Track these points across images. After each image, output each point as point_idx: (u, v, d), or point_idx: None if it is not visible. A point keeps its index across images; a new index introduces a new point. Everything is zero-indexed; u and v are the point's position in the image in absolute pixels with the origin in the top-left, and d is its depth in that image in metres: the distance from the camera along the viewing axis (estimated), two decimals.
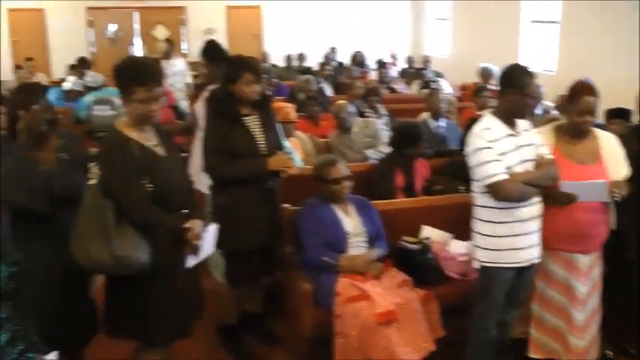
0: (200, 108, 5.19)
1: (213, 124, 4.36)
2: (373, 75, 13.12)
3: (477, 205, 3.92)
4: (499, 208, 3.79)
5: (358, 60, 14.22)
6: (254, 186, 4.32)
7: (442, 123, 7.08)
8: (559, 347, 4.28)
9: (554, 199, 3.96)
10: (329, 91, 10.55)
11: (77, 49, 15.21)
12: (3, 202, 3.49)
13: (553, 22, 11.72)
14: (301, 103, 8.19)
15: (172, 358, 3.92)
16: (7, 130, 3.77)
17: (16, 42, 16.42)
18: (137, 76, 3.34)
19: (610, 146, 4.15)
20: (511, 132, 3.82)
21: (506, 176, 3.68)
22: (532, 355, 4.38)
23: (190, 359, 4.59)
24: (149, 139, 3.49)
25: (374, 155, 6.29)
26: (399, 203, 5.22)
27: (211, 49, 5.67)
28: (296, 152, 5.40)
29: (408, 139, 5.58)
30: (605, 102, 4.57)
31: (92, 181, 3.38)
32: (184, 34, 16.95)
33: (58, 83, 11.67)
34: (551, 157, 3.93)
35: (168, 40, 7.79)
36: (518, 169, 3.78)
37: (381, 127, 6.88)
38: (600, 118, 5.54)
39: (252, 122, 4.35)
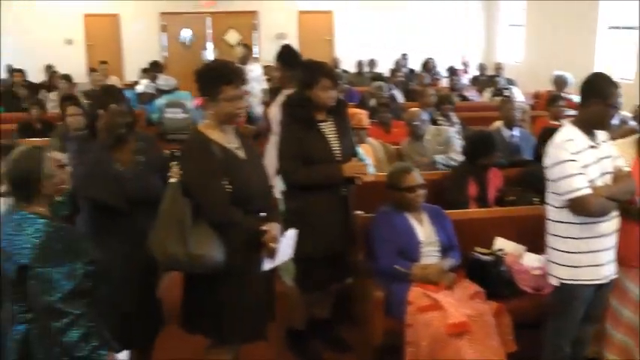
0: (274, 112, 5.21)
1: (289, 129, 4.38)
2: (444, 82, 13.00)
3: (554, 220, 3.79)
4: (579, 224, 3.66)
5: (429, 67, 14.10)
6: (328, 192, 4.33)
7: (516, 132, 6.97)
8: None
9: (632, 213, 3.84)
10: (400, 97, 10.48)
11: (150, 53, 15.52)
12: (82, 197, 3.58)
13: (631, 27, 11.36)
14: (373, 110, 8.16)
15: (243, 356, 3.97)
16: (87, 130, 3.86)
17: (91, 46, 16.85)
18: (223, 75, 3.45)
19: None
20: (592, 143, 3.69)
21: (589, 190, 3.55)
22: None
23: (261, 359, 4.62)
24: (231, 142, 3.55)
25: (442, 161, 6.23)
26: (471, 213, 5.16)
27: (286, 54, 5.69)
28: (368, 159, 5.39)
29: (482, 148, 5.50)
30: None
31: (173, 180, 3.45)
32: (256, 39, 17.05)
33: (130, 86, 11.91)
34: (628, 169, 3.81)
35: (245, 45, 7.85)
36: (599, 182, 3.66)
37: (454, 135, 6.81)
38: None
39: (328, 128, 4.36)
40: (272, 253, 3.53)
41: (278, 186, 4.57)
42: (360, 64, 14.41)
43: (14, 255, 2.86)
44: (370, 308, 4.40)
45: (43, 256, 2.82)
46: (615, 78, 3.81)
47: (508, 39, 16.95)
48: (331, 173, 4.28)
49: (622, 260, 3.90)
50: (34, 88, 12.32)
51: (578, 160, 3.59)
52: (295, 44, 11.82)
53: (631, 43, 11.37)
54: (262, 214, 3.59)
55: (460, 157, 6.16)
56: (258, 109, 8.92)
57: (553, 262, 3.84)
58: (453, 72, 13.46)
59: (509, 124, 6.97)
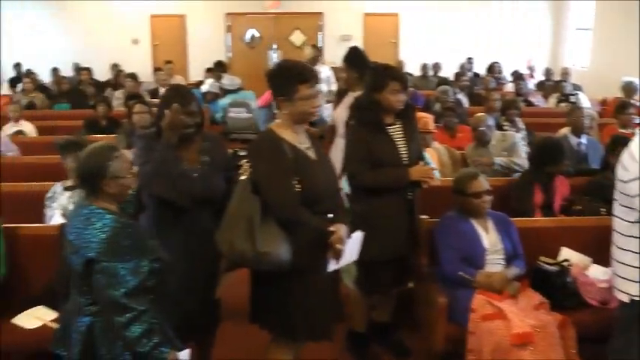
0: (340, 114, 5.21)
1: (357, 131, 4.37)
2: (509, 87, 12.83)
3: (626, 235, 3.57)
4: None
5: (495, 71, 13.94)
6: (394, 195, 4.32)
7: (583, 140, 6.83)
8: None
9: None
10: (465, 102, 10.39)
11: (214, 53, 15.74)
12: (148, 195, 3.63)
13: None
14: (438, 114, 8.10)
15: (305, 356, 3.98)
16: (153, 127, 3.91)
17: (157, 46, 17.17)
18: (299, 74, 3.46)
19: None
20: None
21: None
22: None
23: (321, 359, 4.62)
24: (302, 142, 3.57)
25: (502, 163, 6.14)
26: (537, 222, 5.06)
27: (354, 56, 5.69)
28: (433, 163, 5.35)
29: (549, 155, 5.39)
30: None
31: (242, 177, 3.48)
32: (320, 40, 17.09)
33: (195, 85, 12.06)
34: None
35: (313, 46, 7.86)
36: None
37: (519, 141, 6.71)
38: None
39: (396, 132, 4.34)
40: (338, 255, 3.52)
41: (343, 188, 4.57)
42: (424, 67, 14.31)
43: (82, 248, 2.92)
44: (433, 314, 4.36)
45: (109, 251, 2.87)
46: None
47: (575, 43, 16.62)
48: (398, 177, 4.27)
49: None
50: (100, 86, 12.59)
51: None
52: (360, 46, 11.85)
53: None
54: (330, 215, 3.60)
55: (520, 162, 6.06)
56: (325, 112, 8.93)
57: (622, 278, 3.65)
58: (518, 76, 13.28)
59: (577, 132, 6.84)
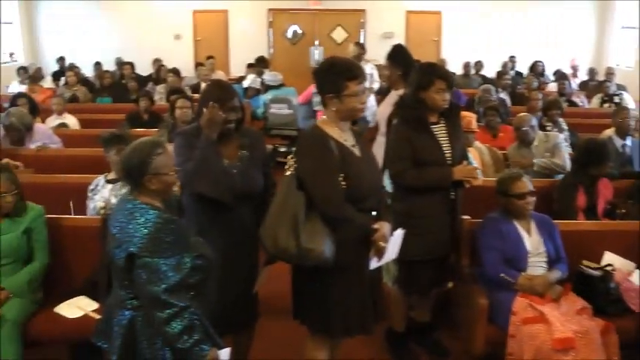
0: (383, 112, 5.18)
1: (401, 129, 4.36)
2: (552, 86, 12.66)
3: None
4: None
5: (537, 70, 13.77)
6: (437, 195, 4.30)
7: (628, 142, 6.70)
8: None
9: None
10: (507, 101, 10.26)
11: (256, 48, 15.83)
12: (189, 192, 3.65)
13: None
14: (480, 113, 8.02)
15: (343, 355, 3.98)
16: (194, 122, 3.92)
17: (199, 41, 17.29)
18: (348, 70, 3.46)
19: None
20: None
21: None
22: None
23: (360, 357, 4.63)
24: (347, 139, 3.56)
25: (541, 163, 6.05)
26: (580, 225, 4.99)
27: (398, 53, 5.66)
28: (475, 162, 5.30)
29: (594, 157, 5.28)
30: None
31: (288, 173, 3.49)
32: (362, 38, 17.03)
33: (236, 81, 12.09)
34: None
35: (357, 44, 7.82)
36: None
37: (562, 141, 6.61)
38: None
39: (440, 131, 4.32)
40: (381, 253, 3.52)
41: (385, 186, 4.55)
42: (466, 65, 14.14)
43: (124, 242, 2.92)
44: (473, 315, 4.31)
45: (151, 247, 2.88)
46: None
47: (620, 42, 16.33)
48: (441, 176, 4.25)
49: None
50: (141, 80, 12.69)
51: None
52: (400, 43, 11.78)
53: None
54: (373, 212, 3.59)
55: (562, 163, 5.97)
56: (366, 111, 8.89)
57: None
58: (561, 76, 13.10)
59: (622, 134, 6.71)
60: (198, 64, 13.57)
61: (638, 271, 4.55)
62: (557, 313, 4.06)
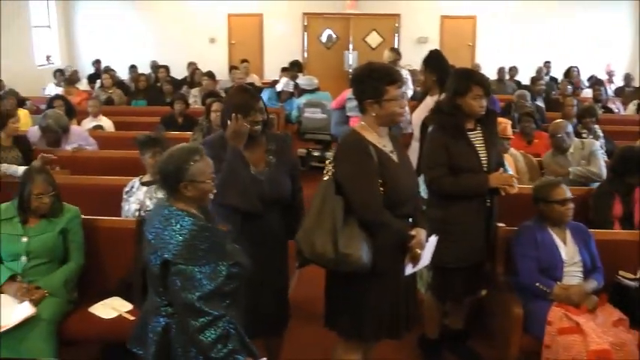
0: (418, 117, 5.15)
1: (437, 136, 4.33)
2: (587, 92, 12.52)
3: None
4: None
5: (572, 76, 13.62)
6: (472, 202, 4.27)
7: None
8: None
9: None
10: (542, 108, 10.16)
11: (291, 52, 15.89)
12: (219, 204, 3.63)
13: None
14: (515, 119, 7.95)
15: (372, 358, 3.96)
16: (220, 131, 3.92)
17: (233, 44, 17.37)
18: (387, 75, 3.45)
19: None
20: None
21: None
22: None
23: None
24: (385, 145, 3.55)
25: (577, 172, 5.98)
26: (616, 234, 4.90)
27: (433, 59, 5.62)
28: (511, 169, 5.25)
29: (631, 165, 5.19)
30: None
31: (325, 178, 3.48)
32: (397, 42, 16.99)
33: (270, 85, 12.12)
34: None
35: (393, 49, 7.79)
36: None
37: (598, 149, 6.52)
38: None
39: (476, 137, 4.29)
40: (416, 259, 3.51)
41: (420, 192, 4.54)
42: (500, 71, 14.01)
43: (159, 249, 2.89)
44: (508, 324, 4.27)
45: (186, 254, 2.85)
46: None
47: None
48: (478, 183, 4.22)
49: None
50: (176, 83, 12.78)
51: None
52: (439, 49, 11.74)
53: None
54: (409, 219, 3.59)
55: (598, 171, 5.90)
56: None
57: None
58: (596, 82, 12.95)
59: None
60: (232, 68, 13.64)
61: None
62: (594, 324, 4.01)
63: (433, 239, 3.67)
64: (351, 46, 17.35)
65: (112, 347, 4.30)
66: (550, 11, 16.42)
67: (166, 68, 13.32)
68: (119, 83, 12.74)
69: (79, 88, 12.91)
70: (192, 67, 13.92)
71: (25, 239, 4.29)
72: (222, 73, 13.74)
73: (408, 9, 16.83)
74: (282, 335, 4.14)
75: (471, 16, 17.00)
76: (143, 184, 5.00)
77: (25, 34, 15.11)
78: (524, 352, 4.18)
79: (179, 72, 14.36)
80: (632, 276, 4.46)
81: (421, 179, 4.36)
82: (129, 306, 4.29)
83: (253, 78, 13.38)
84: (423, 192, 4.46)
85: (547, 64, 14.70)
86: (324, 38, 17.51)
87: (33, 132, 7.27)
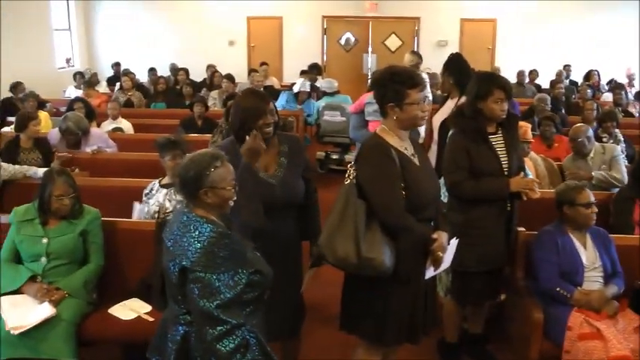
0: (438, 120, 5.13)
1: (458, 139, 4.31)
2: (607, 96, 12.43)
3: None
4: None
5: (592, 79, 13.54)
6: (493, 206, 4.25)
7: None
8: None
9: None
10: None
11: (310, 55, 15.90)
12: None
13: None
14: (535, 123, 7.91)
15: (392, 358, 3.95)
16: (231, 136, 3.91)
17: (253, 47, 17.42)
18: (410, 78, 3.43)
19: None
20: None
21: None
22: None
23: None
24: (407, 148, 3.54)
25: (599, 176, 5.93)
26: (637, 239, 4.81)
27: (455, 62, 5.61)
28: (531, 174, 5.22)
29: None
30: None
31: (347, 182, 3.47)
32: (416, 45, 16.96)
33: (289, 88, 12.14)
34: None
35: (414, 52, 7.76)
36: None
37: (619, 154, 6.47)
38: None
39: (497, 141, 4.27)
40: (438, 262, 3.50)
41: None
42: (520, 74, 13.92)
43: (177, 256, 2.84)
44: (528, 329, 4.24)
45: (204, 261, 2.78)
46: None
47: None
48: (498, 187, 4.20)
49: None
50: (195, 86, 12.82)
51: None
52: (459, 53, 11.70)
53: None
54: (431, 222, 3.58)
55: (619, 177, 5.85)
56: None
57: None
58: (616, 85, 12.86)
59: None
60: (251, 71, 13.65)
61: None
62: (614, 330, 3.98)
63: (454, 242, 3.65)
64: (370, 49, 17.35)
65: (134, 348, 4.31)
66: (571, 14, 16.37)
67: (186, 71, 13.36)
68: (138, 86, 12.79)
69: (99, 90, 13.02)
70: (212, 69, 13.96)
71: (45, 240, 4.31)
72: (241, 76, 13.75)
73: (428, 12, 16.81)
74: (298, 337, 4.14)
75: (491, 19, 16.95)
76: (162, 186, 5.02)
77: (45, 37, 15.25)
78: (544, 357, 4.15)
79: (198, 74, 14.42)
80: None
81: (441, 182, 4.35)
82: (148, 307, 4.31)
83: (272, 81, 13.41)
84: (443, 196, 4.45)
85: (567, 67, 14.61)
86: (343, 41, 17.52)
87: (53, 134, 7.33)
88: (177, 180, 3.09)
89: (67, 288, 4.25)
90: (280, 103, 10.45)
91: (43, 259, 4.30)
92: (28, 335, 3.95)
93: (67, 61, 16.48)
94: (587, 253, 4.33)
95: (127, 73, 13.58)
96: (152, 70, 14.53)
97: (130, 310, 4.34)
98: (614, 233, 4.67)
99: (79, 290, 4.28)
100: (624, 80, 14.20)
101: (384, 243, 3.35)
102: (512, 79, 13.81)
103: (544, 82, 13.81)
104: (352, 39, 17.49)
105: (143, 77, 14.54)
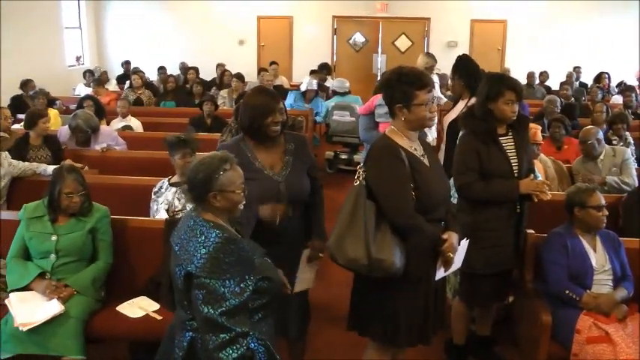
0: (448, 121, 5.12)
1: (467, 141, 4.29)
2: (617, 98, 12.38)
3: None
4: None
5: (602, 81, 13.48)
6: (503, 208, 4.23)
7: None
8: None
9: None
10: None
11: (320, 55, 15.90)
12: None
13: None
14: (545, 125, 7.88)
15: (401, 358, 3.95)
16: (239, 135, 3.91)
17: (263, 47, 17.44)
18: (418, 79, 3.42)
19: None
20: None
21: None
22: None
23: None
24: (416, 149, 3.53)
25: (613, 182, 5.91)
26: None
27: (464, 63, 5.59)
28: (540, 175, 5.21)
29: None
30: None
31: (356, 183, 3.45)
32: (426, 46, 16.94)
33: (297, 87, 12.14)
34: None
35: (428, 54, 7.73)
36: None
37: (630, 157, 6.44)
38: None
39: (507, 143, 4.25)
40: (448, 263, 3.49)
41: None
42: (530, 75, 13.88)
43: (183, 260, 2.80)
44: (536, 331, 4.22)
45: (209, 267, 2.73)
46: None
47: None
48: (508, 189, 4.17)
49: None
50: (205, 85, 12.82)
51: None
52: (468, 54, 11.68)
53: None
54: (442, 223, 3.58)
55: (631, 182, 5.83)
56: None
57: None
58: (626, 88, 12.81)
59: None
60: (261, 70, 13.66)
61: None
62: (623, 334, 3.96)
63: (464, 243, 3.64)
64: (380, 50, 17.36)
65: (140, 345, 4.32)
66: (581, 16, 16.32)
67: (196, 70, 13.37)
68: (148, 84, 12.81)
69: (108, 88, 13.05)
70: (221, 68, 13.96)
71: (54, 237, 4.32)
72: (250, 75, 13.78)
73: (439, 13, 16.80)
74: (304, 337, 4.13)
75: (502, 20, 16.92)
76: (172, 184, 5.04)
77: (56, 35, 15.32)
78: (551, 359, 4.12)
79: (208, 73, 14.43)
80: None
81: (450, 183, 4.34)
82: (156, 306, 4.32)
83: (282, 80, 13.41)
84: (453, 197, 4.43)
85: (577, 69, 14.57)
86: (353, 41, 17.51)
87: (63, 132, 7.35)
88: (185, 183, 3.04)
89: (75, 285, 4.25)
90: (288, 102, 10.44)
91: (52, 256, 4.31)
92: (36, 332, 3.95)
93: (77, 59, 16.54)
94: (597, 256, 4.30)
95: (137, 71, 13.59)
96: (162, 69, 14.56)
97: (138, 308, 4.34)
98: (624, 236, 4.64)
99: (87, 287, 4.29)
100: (634, 82, 14.13)
101: (394, 244, 3.34)
102: (522, 80, 13.78)
103: (554, 83, 13.76)
104: (362, 39, 17.49)
105: (153, 76, 14.56)
